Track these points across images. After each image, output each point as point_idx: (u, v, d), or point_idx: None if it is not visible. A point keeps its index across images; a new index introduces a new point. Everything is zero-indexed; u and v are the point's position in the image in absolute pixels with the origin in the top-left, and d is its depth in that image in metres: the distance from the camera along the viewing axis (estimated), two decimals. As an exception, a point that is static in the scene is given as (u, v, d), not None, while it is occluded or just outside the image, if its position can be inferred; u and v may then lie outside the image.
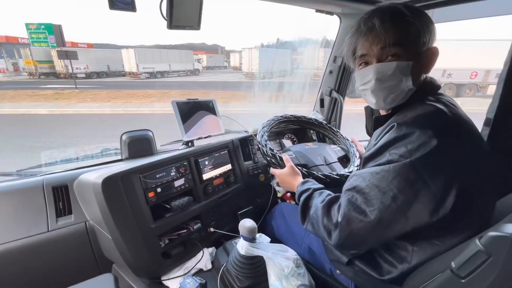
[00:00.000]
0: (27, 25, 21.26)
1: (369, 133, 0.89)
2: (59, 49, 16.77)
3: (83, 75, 19.14)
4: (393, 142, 0.62)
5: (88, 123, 7.19)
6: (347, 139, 1.36)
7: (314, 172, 1.00)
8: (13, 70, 24.33)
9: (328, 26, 1.61)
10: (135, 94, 11.59)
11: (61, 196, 1.01)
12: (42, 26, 20.98)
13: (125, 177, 0.88)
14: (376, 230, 0.62)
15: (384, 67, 0.67)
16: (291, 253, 0.94)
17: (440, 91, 0.71)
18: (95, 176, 0.88)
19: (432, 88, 0.71)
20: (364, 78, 0.72)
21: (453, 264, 0.50)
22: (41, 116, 7.98)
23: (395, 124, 0.64)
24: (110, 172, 0.87)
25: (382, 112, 0.80)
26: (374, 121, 0.79)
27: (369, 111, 0.92)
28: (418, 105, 0.66)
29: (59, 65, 18.72)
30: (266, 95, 10.94)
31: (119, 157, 1.30)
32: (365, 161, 0.69)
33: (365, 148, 1.14)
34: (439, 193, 0.57)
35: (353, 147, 1.29)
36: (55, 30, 20.77)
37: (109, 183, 0.85)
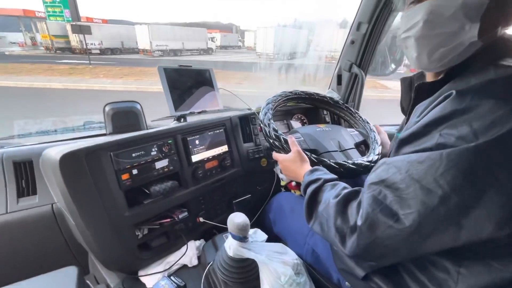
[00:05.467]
0: (42, -3, 21.27)
1: (405, 111, 0.68)
2: (73, 23, 16.73)
3: (98, 51, 19.17)
4: (448, 117, 0.42)
5: (100, 99, 7.18)
6: (367, 122, 1.14)
7: (325, 159, 0.81)
8: (31, 44, 24.74)
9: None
10: (148, 71, 11.46)
11: (24, 173, 0.86)
12: (57, -1, 20.93)
13: (90, 155, 0.72)
14: (411, 241, 0.44)
15: (442, 4, 0.45)
16: (290, 256, 0.77)
17: None
18: (56, 151, 0.72)
19: (510, 48, 0.48)
20: (410, 20, 0.51)
21: None
22: (55, 90, 8.04)
23: (454, 92, 0.43)
24: (73, 147, 0.71)
25: (429, 78, 0.58)
26: (416, 90, 0.57)
27: (407, 83, 0.69)
28: (489, 67, 0.44)
29: (74, 40, 18.81)
30: (280, 76, 10.55)
31: (103, 132, 1.15)
32: (401, 144, 0.49)
33: (398, 131, 0.90)
34: None
35: (374, 131, 1.07)
36: (70, 4, 20.70)
37: (69, 160, 0.69)
